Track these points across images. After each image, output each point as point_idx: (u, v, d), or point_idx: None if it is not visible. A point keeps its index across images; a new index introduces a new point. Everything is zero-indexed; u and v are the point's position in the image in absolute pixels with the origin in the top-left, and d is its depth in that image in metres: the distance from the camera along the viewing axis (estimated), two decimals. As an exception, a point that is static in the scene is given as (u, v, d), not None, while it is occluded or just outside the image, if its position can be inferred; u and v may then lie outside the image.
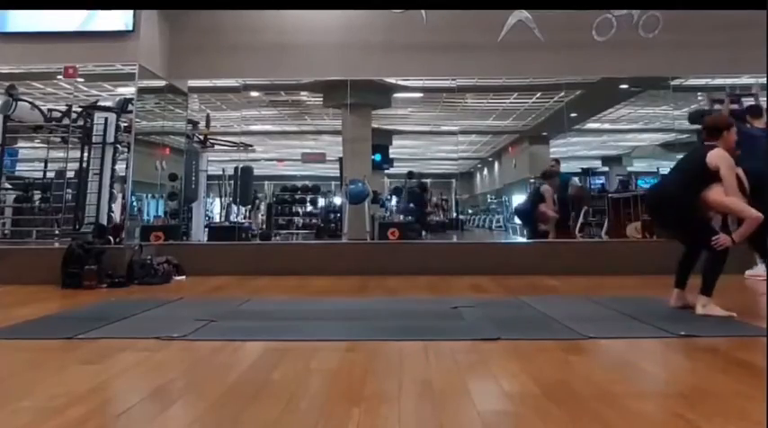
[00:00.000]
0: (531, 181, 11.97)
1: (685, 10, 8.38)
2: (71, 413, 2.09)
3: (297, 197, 12.68)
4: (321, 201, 13.23)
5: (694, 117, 8.97)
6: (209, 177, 11.09)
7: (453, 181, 17.08)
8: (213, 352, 3.11)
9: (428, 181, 16.20)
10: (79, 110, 7.77)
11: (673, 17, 8.59)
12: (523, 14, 8.77)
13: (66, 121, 7.76)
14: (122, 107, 7.67)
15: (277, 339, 3.40)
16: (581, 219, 10.20)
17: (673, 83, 9.65)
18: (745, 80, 10.39)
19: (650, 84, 10.44)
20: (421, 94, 12.05)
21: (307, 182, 13.20)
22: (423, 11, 8.69)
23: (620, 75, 9.69)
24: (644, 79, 9.98)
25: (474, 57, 8.88)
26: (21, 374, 2.70)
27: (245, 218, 11.56)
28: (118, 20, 7.93)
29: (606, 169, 14.75)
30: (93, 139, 7.40)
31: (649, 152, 14.24)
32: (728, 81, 10.66)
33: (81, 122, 7.63)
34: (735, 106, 8.29)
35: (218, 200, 12.72)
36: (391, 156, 13.76)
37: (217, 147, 10.94)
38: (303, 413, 2.12)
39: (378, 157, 12.23)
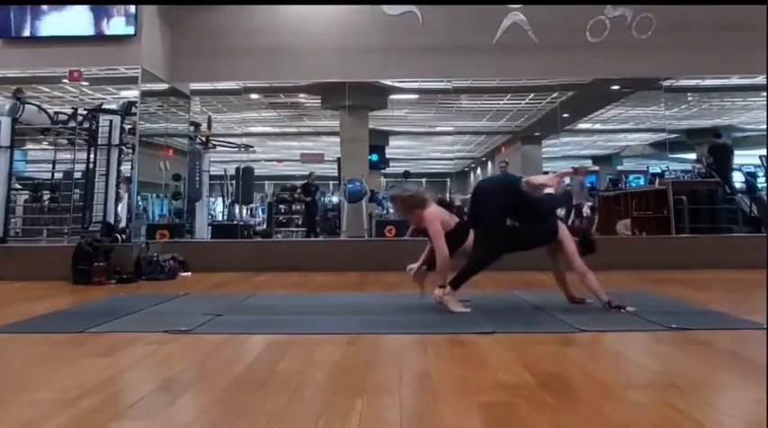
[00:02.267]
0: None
1: (682, 9, 8.49)
2: (84, 404, 2.11)
3: (296, 196, 12.74)
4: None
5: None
6: (212, 177, 11.24)
7: (448, 180, 17.22)
8: (220, 345, 3.16)
9: (423, 180, 16.39)
10: (85, 112, 7.91)
11: (665, 19, 8.68)
12: (518, 17, 8.84)
13: (72, 124, 7.90)
14: (126, 110, 7.80)
15: (281, 333, 3.43)
16: (572, 217, 10.42)
17: (664, 83, 9.80)
18: (735, 81, 10.59)
19: (642, 85, 10.53)
20: (417, 96, 12.14)
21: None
22: (419, 13, 8.82)
23: (612, 76, 9.78)
24: (636, 80, 10.06)
25: (469, 58, 8.96)
26: (35, 367, 2.74)
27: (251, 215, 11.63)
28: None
29: (597, 168, 14.91)
30: (99, 141, 7.55)
31: (639, 151, 14.42)
32: (719, 82, 10.88)
33: (87, 125, 7.78)
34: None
35: (220, 199, 12.85)
36: (388, 156, 13.88)
37: (218, 148, 11.08)
38: (308, 403, 2.15)
39: (375, 157, 12.35)
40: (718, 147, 9.59)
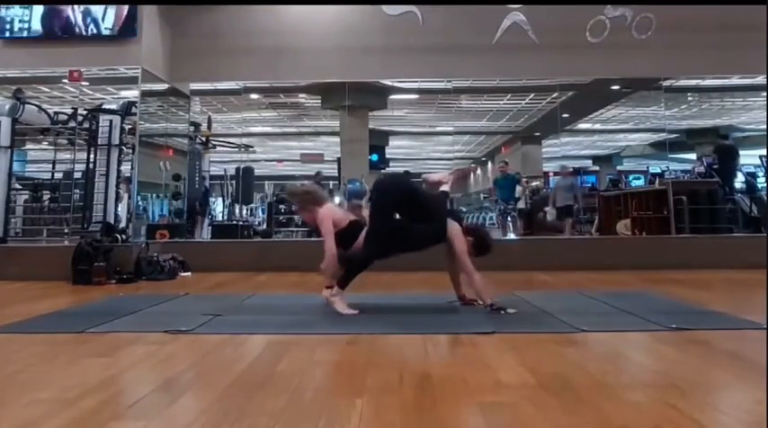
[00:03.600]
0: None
1: (682, 9, 8.51)
2: (84, 404, 2.12)
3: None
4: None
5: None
6: (212, 177, 11.27)
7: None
8: (219, 345, 3.16)
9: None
10: (84, 112, 7.91)
11: (665, 19, 8.69)
12: (518, 17, 8.86)
13: (72, 124, 7.91)
14: (126, 110, 7.80)
15: (280, 333, 3.46)
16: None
17: (664, 83, 9.81)
18: (735, 81, 10.60)
19: (642, 85, 10.55)
20: (417, 96, 12.16)
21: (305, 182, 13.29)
22: (419, 13, 8.83)
23: (612, 76, 9.80)
24: (636, 80, 10.09)
25: (469, 59, 8.98)
26: (35, 367, 2.74)
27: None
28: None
29: (597, 168, 14.96)
30: (99, 141, 7.55)
31: (639, 151, 14.45)
32: (719, 82, 10.90)
33: (87, 125, 7.78)
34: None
35: (220, 199, 12.85)
36: (387, 156, 13.90)
37: (218, 148, 11.09)
38: (308, 403, 2.15)
39: (375, 157, 12.38)
40: (724, 147, 9.60)
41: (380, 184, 4.62)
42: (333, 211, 4.47)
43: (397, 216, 4.35)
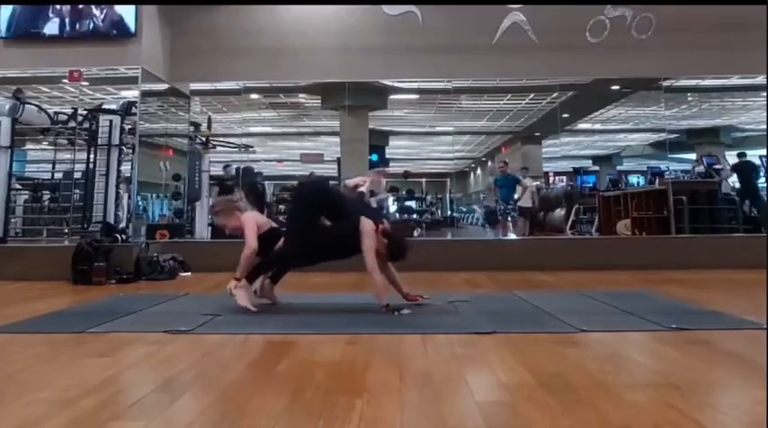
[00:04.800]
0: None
1: (682, 9, 8.51)
2: (84, 404, 2.13)
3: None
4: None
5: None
6: (211, 177, 11.24)
7: (448, 180, 17.24)
8: (219, 345, 3.18)
9: (423, 180, 16.40)
10: (84, 113, 7.91)
11: (665, 19, 8.70)
12: (518, 17, 8.86)
13: (72, 124, 7.91)
14: (126, 110, 7.80)
15: (281, 333, 3.49)
16: (572, 217, 10.42)
17: (664, 83, 9.81)
18: (735, 81, 10.60)
19: (642, 85, 10.55)
20: (417, 96, 12.18)
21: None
22: (419, 13, 8.83)
23: (612, 76, 9.80)
24: (636, 80, 10.09)
25: (469, 59, 8.98)
26: (35, 367, 2.74)
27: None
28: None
29: (597, 168, 14.95)
30: (99, 141, 7.56)
31: (639, 151, 14.45)
32: (719, 82, 10.90)
33: (87, 125, 7.79)
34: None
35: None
36: (387, 156, 13.90)
37: (218, 148, 11.07)
38: (308, 403, 2.16)
39: (374, 157, 12.36)
40: (742, 165, 9.62)
41: (299, 188, 4.76)
42: (256, 217, 4.62)
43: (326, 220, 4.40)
